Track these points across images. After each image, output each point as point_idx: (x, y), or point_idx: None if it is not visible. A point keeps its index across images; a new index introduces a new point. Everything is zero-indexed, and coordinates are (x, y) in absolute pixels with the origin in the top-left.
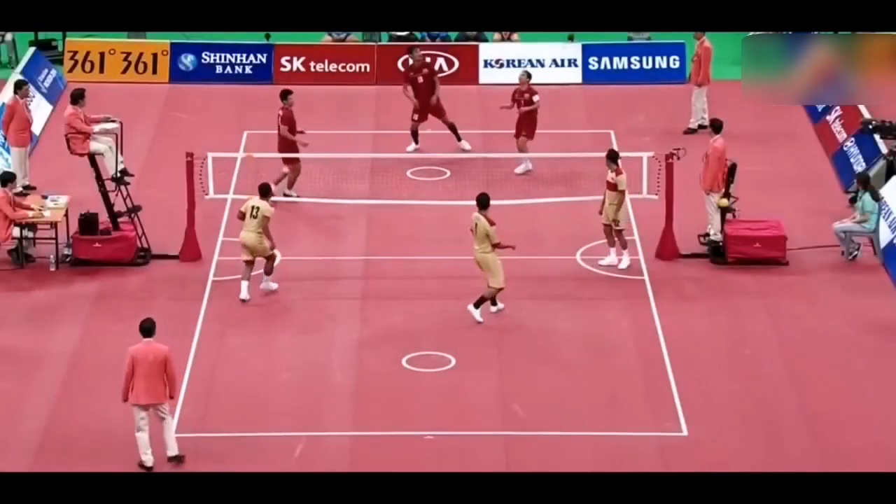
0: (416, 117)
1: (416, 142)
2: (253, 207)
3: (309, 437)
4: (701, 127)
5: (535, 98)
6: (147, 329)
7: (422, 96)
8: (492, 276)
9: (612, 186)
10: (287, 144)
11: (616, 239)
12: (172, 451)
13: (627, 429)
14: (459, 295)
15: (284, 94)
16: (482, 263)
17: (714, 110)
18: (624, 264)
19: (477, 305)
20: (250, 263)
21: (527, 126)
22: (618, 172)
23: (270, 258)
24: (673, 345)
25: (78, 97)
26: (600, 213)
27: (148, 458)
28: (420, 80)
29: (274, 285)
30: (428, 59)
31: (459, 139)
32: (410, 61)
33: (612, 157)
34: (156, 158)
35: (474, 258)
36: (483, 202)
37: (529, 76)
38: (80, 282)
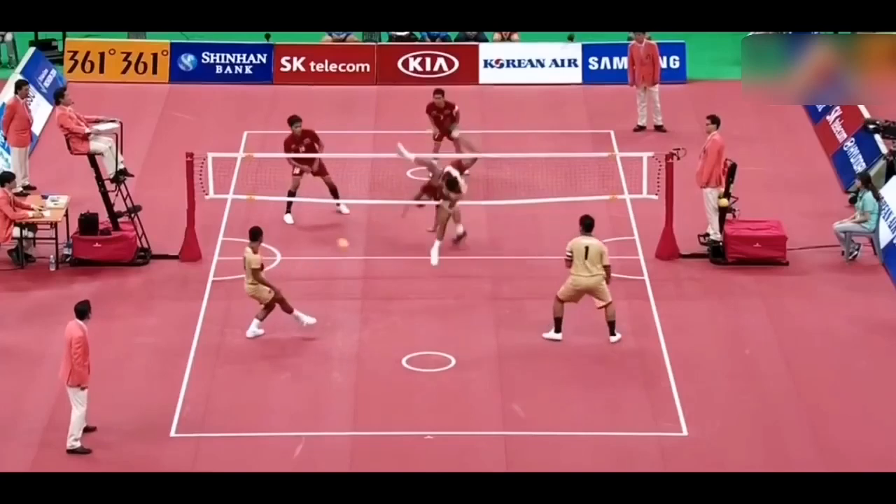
0: (296, 171)
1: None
2: (244, 258)
3: (309, 437)
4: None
5: (456, 108)
6: (77, 311)
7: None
8: (605, 294)
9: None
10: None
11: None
12: (69, 442)
13: (627, 429)
14: (459, 295)
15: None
16: (598, 285)
17: (714, 110)
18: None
19: (613, 332)
20: (266, 307)
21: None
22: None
23: (281, 302)
24: (673, 345)
25: (59, 95)
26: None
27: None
28: (302, 149)
29: (310, 320)
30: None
31: (288, 211)
32: (293, 130)
33: (452, 185)
34: (156, 158)
35: (583, 285)
36: (589, 225)
37: (443, 93)
38: (80, 282)
